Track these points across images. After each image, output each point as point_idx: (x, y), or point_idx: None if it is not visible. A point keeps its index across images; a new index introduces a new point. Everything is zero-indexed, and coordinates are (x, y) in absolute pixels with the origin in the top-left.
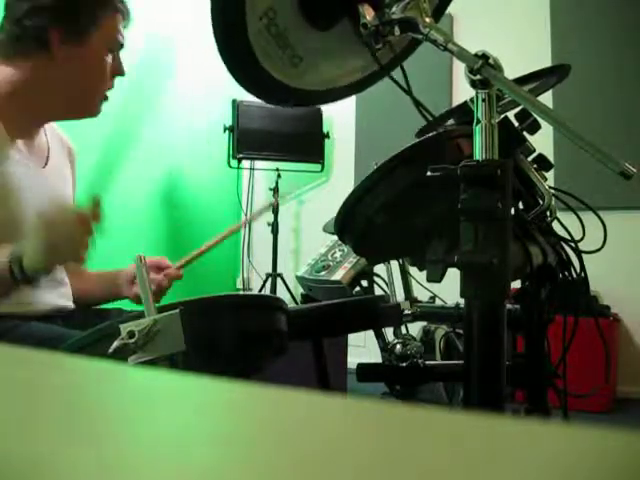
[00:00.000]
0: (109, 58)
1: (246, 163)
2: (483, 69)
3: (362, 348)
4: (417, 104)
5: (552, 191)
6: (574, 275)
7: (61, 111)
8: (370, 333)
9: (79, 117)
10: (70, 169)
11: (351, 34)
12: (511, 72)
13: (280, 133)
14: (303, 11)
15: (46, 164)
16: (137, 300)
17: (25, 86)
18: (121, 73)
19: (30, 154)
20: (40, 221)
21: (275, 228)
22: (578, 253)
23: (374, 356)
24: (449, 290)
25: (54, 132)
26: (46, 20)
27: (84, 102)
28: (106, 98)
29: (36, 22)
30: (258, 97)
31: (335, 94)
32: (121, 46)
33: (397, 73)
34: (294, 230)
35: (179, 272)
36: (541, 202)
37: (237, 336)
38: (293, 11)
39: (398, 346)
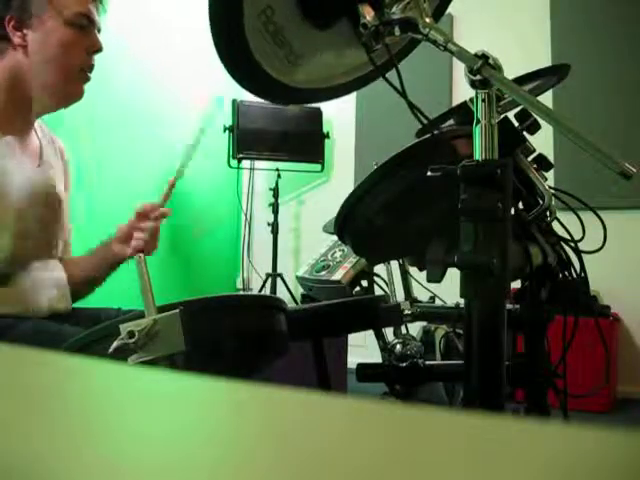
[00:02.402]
0: (74, 34)
1: (246, 163)
2: (483, 69)
3: (362, 348)
4: (411, 106)
5: (552, 191)
6: (574, 275)
7: (43, 100)
8: (370, 333)
9: (64, 102)
10: (63, 170)
11: (349, 32)
12: (511, 72)
13: (280, 133)
14: (301, 9)
15: (40, 164)
16: (133, 252)
17: (5, 83)
18: (97, 48)
19: (23, 153)
20: (18, 210)
21: (275, 228)
22: (578, 253)
23: (374, 356)
24: (449, 290)
25: (45, 133)
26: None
27: (59, 85)
28: (87, 78)
29: None
30: (255, 94)
31: (332, 92)
32: (89, 19)
33: (393, 74)
34: (294, 230)
35: (165, 209)
36: (541, 202)
37: (237, 336)
38: (291, 9)
39: (398, 346)
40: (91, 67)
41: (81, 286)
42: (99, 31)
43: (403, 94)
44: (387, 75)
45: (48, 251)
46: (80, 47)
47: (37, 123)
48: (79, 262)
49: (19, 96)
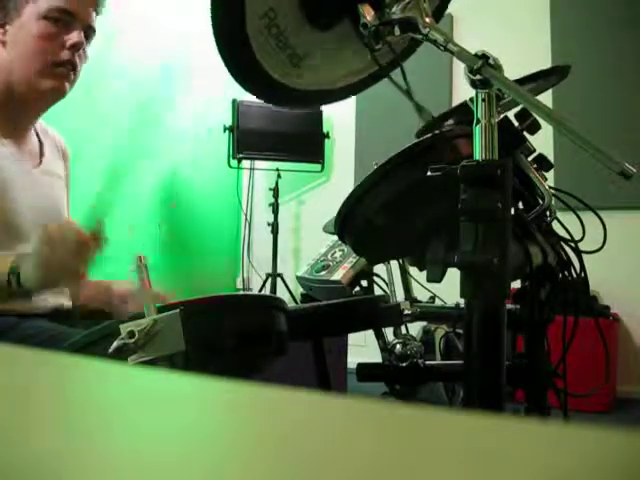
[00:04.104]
0: (48, 27)
1: (246, 163)
2: (483, 69)
3: (362, 348)
4: (417, 107)
5: (552, 191)
6: (574, 275)
7: (27, 99)
8: (370, 333)
9: (43, 99)
10: (64, 169)
11: (351, 35)
12: (511, 72)
13: (280, 133)
14: (304, 12)
15: (39, 164)
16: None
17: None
18: (73, 43)
19: (22, 155)
20: (41, 237)
21: (275, 228)
22: (578, 253)
23: (374, 356)
24: (449, 290)
25: (47, 133)
26: None
27: (35, 79)
28: (66, 74)
29: None
30: (257, 97)
31: (334, 95)
32: (70, 14)
33: (397, 74)
34: (294, 230)
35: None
36: (541, 202)
37: (237, 336)
38: (293, 12)
39: (398, 346)
40: (71, 63)
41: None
42: (92, 31)
43: (408, 94)
44: (384, 81)
45: (64, 278)
46: (56, 42)
47: (38, 121)
48: (86, 285)
49: (9, 94)
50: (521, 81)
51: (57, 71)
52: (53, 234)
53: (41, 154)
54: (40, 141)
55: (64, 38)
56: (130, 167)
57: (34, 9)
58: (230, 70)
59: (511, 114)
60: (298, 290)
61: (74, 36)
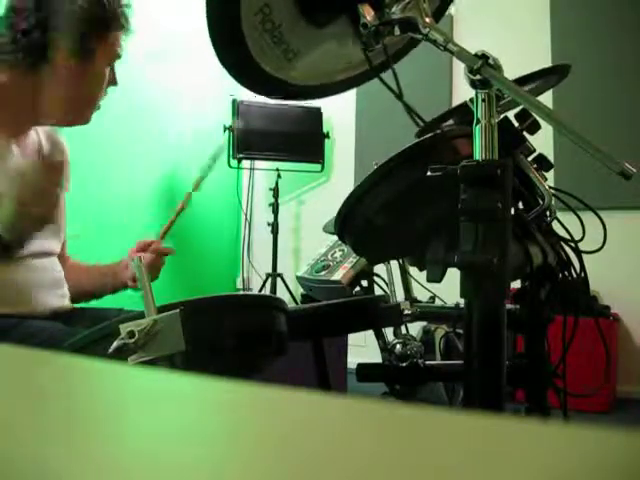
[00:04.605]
0: (107, 70)
1: (246, 163)
2: (483, 69)
3: (362, 348)
4: (407, 108)
5: (552, 191)
6: (574, 275)
7: (55, 119)
8: (370, 333)
9: (71, 125)
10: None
11: (347, 30)
12: (511, 72)
13: (280, 133)
14: (298, 7)
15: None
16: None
17: (23, 93)
18: (115, 83)
19: (22, 153)
20: (11, 181)
21: (275, 228)
22: (578, 253)
23: (374, 356)
24: (449, 290)
25: (46, 131)
26: (54, 36)
27: (80, 112)
28: (99, 107)
29: (44, 37)
30: (251, 90)
31: (329, 89)
32: (119, 57)
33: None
34: (294, 230)
35: (162, 245)
36: (541, 202)
37: (237, 336)
38: (288, 7)
39: (398, 346)
40: (104, 96)
41: (81, 295)
42: None
43: (399, 95)
44: (387, 76)
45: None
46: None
47: None
48: (87, 272)
49: (28, 107)
50: (521, 81)
51: (97, 106)
52: (19, 170)
53: (40, 152)
54: (39, 140)
55: (109, 78)
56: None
57: (105, 55)
58: (225, 65)
59: (511, 114)
60: (298, 290)
61: (115, 77)
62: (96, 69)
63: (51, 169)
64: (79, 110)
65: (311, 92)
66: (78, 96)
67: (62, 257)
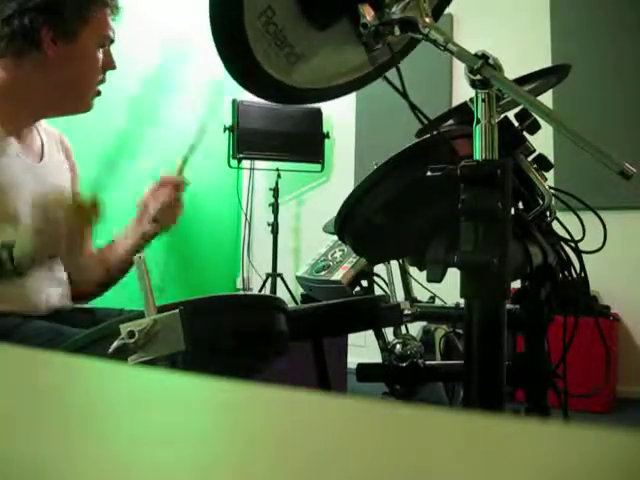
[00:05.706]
0: (100, 53)
1: (246, 163)
2: (483, 69)
3: (362, 348)
4: (412, 107)
5: (552, 191)
6: (574, 275)
7: (54, 108)
8: (370, 333)
9: (72, 113)
10: (67, 163)
11: (349, 33)
12: (511, 72)
13: (280, 133)
14: (302, 10)
15: (41, 159)
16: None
17: (16, 84)
18: (112, 67)
19: (24, 151)
20: (33, 208)
21: (275, 228)
22: (578, 253)
23: (374, 356)
24: (449, 290)
25: (46, 128)
26: (35, 19)
27: (77, 98)
28: (99, 93)
29: (26, 21)
30: (255, 94)
31: (332, 92)
32: (111, 40)
33: (394, 74)
34: (294, 230)
35: (181, 179)
36: (541, 202)
37: (237, 336)
38: (291, 10)
39: (398, 346)
40: (103, 82)
41: (117, 271)
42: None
43: (404, 94)
44: (388, 75)
45: (57, 247)
46: (101, 65)
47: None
48: (113, 246)
49: (27, 100)
50: (521, 81)
51: (96, 91)
52: (44, 202)
53: (42, 149)
54: (41, 138)
55: (104, 61)
56: (125, 154)
57: (92, 35)
58: (228, 68)
59: (511, 114)
60: (298, 290)
61: (112, 60)
62: (83, 51)
63: (79, 209)
64: (75, 96)
65: (313, 96)
66: (68, 80)
67: (87, 254)
